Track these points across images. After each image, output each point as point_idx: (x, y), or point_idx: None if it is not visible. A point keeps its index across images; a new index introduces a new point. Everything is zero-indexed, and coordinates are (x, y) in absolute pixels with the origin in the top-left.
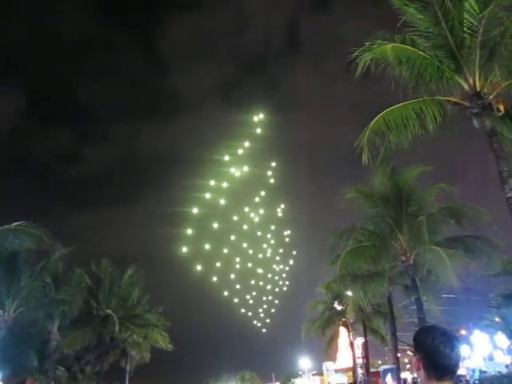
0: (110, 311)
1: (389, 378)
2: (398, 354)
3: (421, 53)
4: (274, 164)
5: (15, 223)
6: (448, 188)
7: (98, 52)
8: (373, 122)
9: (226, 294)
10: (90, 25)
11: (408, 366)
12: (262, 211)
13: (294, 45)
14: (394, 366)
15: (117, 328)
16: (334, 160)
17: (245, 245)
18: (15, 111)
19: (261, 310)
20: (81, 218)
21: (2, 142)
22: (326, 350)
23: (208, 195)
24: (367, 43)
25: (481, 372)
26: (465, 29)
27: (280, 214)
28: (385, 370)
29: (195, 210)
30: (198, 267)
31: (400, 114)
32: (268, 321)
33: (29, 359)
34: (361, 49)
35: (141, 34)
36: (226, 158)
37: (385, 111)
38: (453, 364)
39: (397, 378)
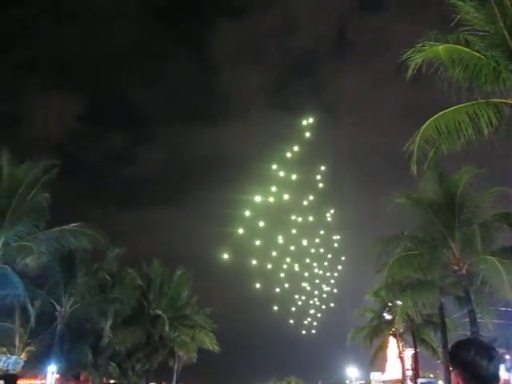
0: (159, 311)
1: None
2: (451, 368)
3: (475, 53)
4: (323, 168)
5: (72, 224)
6: (504, 191)
7: (149, 55)
8: (423, 127)
9: (275, 291)
10: (141, 28)
11: None
12: (310, 216)
13: (343, 46)
14: (432, 379)
15: (167, 328)
16: (384, 163)
17: (292, 247)
18: (69, 114)
19: (309, 316)
20: (131, 218)
21: (57, 144)
22: (373, 360)
23: (257, 198)
24: (418, 44)
25: None
26: None
27: (329, 219)
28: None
29: (246, 213)
30: (254, 277)
31: (453, 119)
32: (315, 327)
33: (83, 354)
34: (412, 50)
35: (191, 37)
36: (275, 161)
37: (436, 115)
38: (491, 375)
39: None
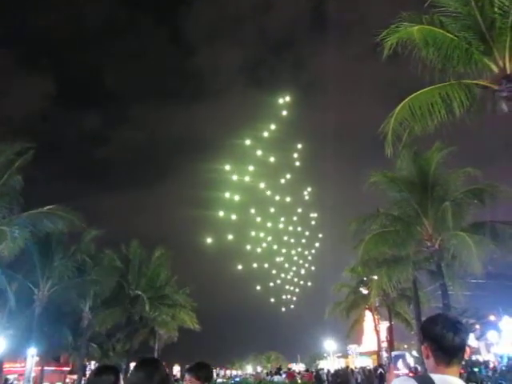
0: (139, 291)
1: (400, 364)
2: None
3: (449, 35)
4: (300, 146)
5: (47, 207)
6: (474, 172)
7: (122, 34)
8: (397, 109)
9: (255, 269)
10: (115, 7)
11: None
12: (288, 194)
13: (320, 23)
14: (403, 351)
15: (147, 307)
16: (362, 141)
17: (270, 225)
18: (43, 95)
19: (287, 293)
20: (109, 199)
21: (31, 126)
22: (349, 333)
23: (234, 178)
24: (393, 25)
25: (509, 358)
26: (495, 9)
27: (307, 197)
28: (396, 355)
29: (223, 194)
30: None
31: (426, 100)
32: (294, 302)
33: (63, 336)
34: (386, 30)
35: (165, 15)
36: (252, 140)
37: (410, 97)
38: (457, 347)
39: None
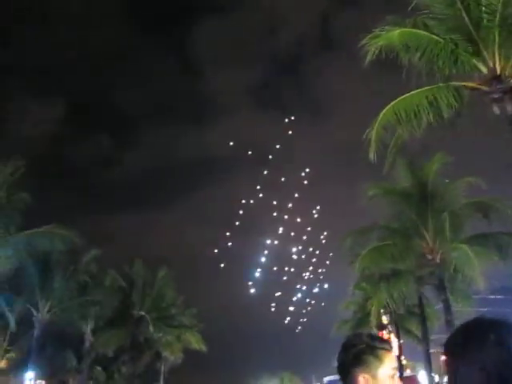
0: (143, 312)
1: None
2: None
3: (434, 37)
4: (308, 168)
5: (45, 226)
6: (476, 181)
7: (133, 57)
8: (382, 113)
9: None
10: (124, 33)
11: None
12: (297, 214)
13: (327, 43)
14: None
15: (151, 329)
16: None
17: (281, 247)
18: (55, 119)
19: (300, 315)
20: (119, 220)
21: (43, 148)
22: None
23: (243, 200)
24: (376, 30)
25: None
26: (482, 8)
27: (316, 215)
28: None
29: (233, 214)
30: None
31: (412, 103)
32: (307, 322)
33: (67, 358)
34: (369, 36)
35: (174, 39)
36: (261, 160)
37: (395, 101)
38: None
39: None
